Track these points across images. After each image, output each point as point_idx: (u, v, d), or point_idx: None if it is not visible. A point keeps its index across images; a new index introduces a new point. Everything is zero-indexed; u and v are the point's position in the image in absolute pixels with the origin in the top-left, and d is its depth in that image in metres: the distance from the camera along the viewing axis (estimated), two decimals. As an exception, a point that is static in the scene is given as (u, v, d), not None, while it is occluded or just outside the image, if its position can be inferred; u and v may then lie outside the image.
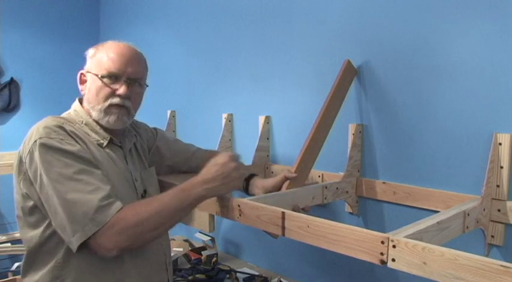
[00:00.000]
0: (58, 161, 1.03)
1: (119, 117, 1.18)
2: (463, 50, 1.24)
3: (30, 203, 1.10)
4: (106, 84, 1.16)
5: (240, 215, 1.13)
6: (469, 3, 1.22)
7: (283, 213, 1.02)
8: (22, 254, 2.66)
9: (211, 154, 1.48)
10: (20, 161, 1.10)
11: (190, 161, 1.46)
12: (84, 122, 1.18)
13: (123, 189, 1.16)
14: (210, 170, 1.12)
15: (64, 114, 1.22)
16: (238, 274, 1.77)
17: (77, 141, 1.09)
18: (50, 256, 1.09)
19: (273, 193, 1.25)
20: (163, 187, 1.35)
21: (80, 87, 1.23)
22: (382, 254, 0.85)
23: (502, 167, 1.17)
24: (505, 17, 1.16)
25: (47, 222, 1.08)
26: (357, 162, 1.49)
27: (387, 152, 1.44)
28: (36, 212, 1.09)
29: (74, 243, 1.00)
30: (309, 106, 1.66)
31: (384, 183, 1.44)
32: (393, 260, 0.84)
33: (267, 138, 1.82)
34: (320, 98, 1.62)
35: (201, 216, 1.26)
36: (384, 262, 0.85)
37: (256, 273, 1.79)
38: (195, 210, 1.27)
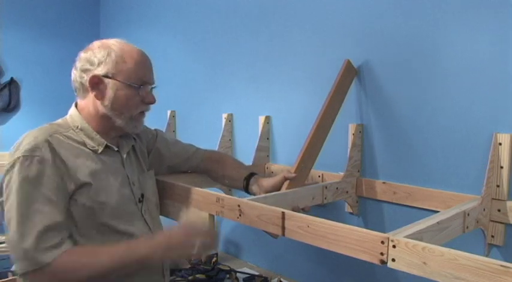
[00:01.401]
0: (27, 186, 1.02)
1: (142, 123, 1.21)
2: (463, 50, 1.24)
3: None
4: (137, 93, 1.15)
5: (240, 215, 1.13)
6: (469, 3, 1.22)
7: (283, 213, 1.02)
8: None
9: (211, 154, 1.49)
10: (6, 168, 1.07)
11: (191, 161, 1.47)
12: (79, 127, 1.16)
13: (119, 195, 1.16)
14: (160, 235, 1.13)
15: (59, 120, 1.20)
16: (238, 274, 1.77)
17: (61, 160, 1.07)
18: None
19: (273, 193, 1.26)
20: (163, 188, 1.36)
21: (92, 92, 1.14)
22: (382, 254, 0.85)
23: (502, 167, 1.17)
24: (505, 17, 1.16)
25: None
26: (357, 162, 1.49)
27: (387, 152, 1.44)
28: None
29: (17, 269, 1.01)
30: (309, 106, 1.66)
31: (384, 183, 1.44)
32: (393, 260, 0.84)
33: (267, 138, 1.82)
34: (320, 98, 1.62)
35: (201, 216, 1.26)
36: (384, 262, 0.85)
37: (256, 273, 1.79)
38: (195, 210, 1.27)
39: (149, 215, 1.25)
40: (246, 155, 1.89)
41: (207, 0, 2.10)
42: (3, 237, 2.57)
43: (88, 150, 1.14)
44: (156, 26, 2.48)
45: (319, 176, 1.60)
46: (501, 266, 0.70)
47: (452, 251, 0.76)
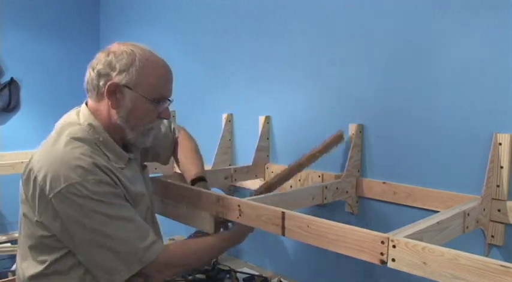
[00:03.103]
0: (98, 204, 0.99)
1: (152, 138, 1.16)
2: (463, 50, 1.24)
3: (44, 233, 1.03)
4: (155, 108, 1.10)
5: (240, 215, 1.13)
6: (469, 3, 1.22)
7: (283, 213, 1.02)
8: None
9: (178, 137, 1.46)
10: (42, 194, 0.99)
11: (169, 149, 1.44)
12: (101, 139, 1.07)
13: (144, 205, 1.17)
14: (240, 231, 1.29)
15: (77, 130, 1.07)
16: (238, 274, 1.76)
17: (109, 176, 1.04)
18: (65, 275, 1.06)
19: (273, 193, 1.26)
20: (163, 188, 1.35)
21: (108, 100, 1.06)
22: (382, 254, 0.85)
23: (502, 167, 1.17)
24: (505, 17, 1.16)
25: (64, 251, 1.05)
26: (357, 162, 1.49)
27: (387, 152, 1.44)
28: (50, 240, 1.04)
29: (116, 279, 1.03)
30: (309, 106, 1.66)
31: (384, 183, 1.44)
32: (393, 260, 0.84)
33: (267, 138, 1.82)
34: (320, 98, 1.62)
35: (201, 216, 1.26)
36: (384, 262, 0.85)
37: (256, 273, 1.79)
38: (195, 210, 1.27)
39: (155, 220, 1.27)
40: (246, 155, 1.89)
41: (207, 0, 2.10)
42: (4, 237, 2.57)
43: (114, 165, 1.08)
44: (156, 26, 2.48)
45: (319, 176, 1.60)
46: (501, 266, 0.70)
47: (452, 251, 0.76)
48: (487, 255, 1.20)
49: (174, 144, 1.44)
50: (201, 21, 2.15)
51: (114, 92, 1.06)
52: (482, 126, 1.21)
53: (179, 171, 1.47)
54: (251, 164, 1.77)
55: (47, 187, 0.98)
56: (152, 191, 1.29)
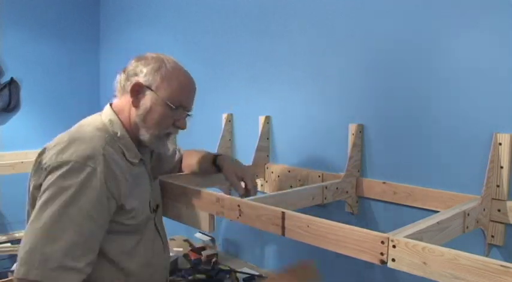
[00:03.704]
0: (72, 197, 0.98)
1: (166, 144, 1.20)
2: (463, 50, 1.24)
3: None
4: (171, 114, 1.14)
5: (240, 215, 1.13)
6: (469, 3, 1.22)
7: (283, 213, 1.02)
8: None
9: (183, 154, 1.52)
10: (40, 164, 1.04)
11: (175, 164, 1.51)
12: (118, 135, 1.13)
13: (142, 208, 1.17)
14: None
15: (99, 123, 1.14)
16: (238, 274, 1.76)
17: (113, 176, 1.04)
18: None
19: (273, 193, 1.26)
20: (163, 188, 1.35)
21: (131, 98, 1.13)
22: (382, 254, 0.85)
23: (502, 167, 1.17)
24: (505, 17, 1.16)
25: None
26: (357, 162, 1.49)
27: (387, 152, 1.44)
28: None
29: (16, 271, 0.95)
30: (309, 106, 1.66)
31: (384, 183, 1.44)
32: (393, 260, 0.84)
33: (267, 138, 1.82)
34: (320, 98, 1.62)
35: (201, 216, 1.26)
36: (384, 262, 0.85)
37: (256, 273, 1.79)
38: (195, 210, 1.27)
39: (160, 225, 1.28)
40: (246, 155, 1.89)
41: (207, 0, 2.10)
42: (4, 237, 2.57)
43: (126, 161, 1.12)
44: (156, 26, 2.48)
45: (319, 176, 1.60)
46: (501, 266, 0.70)
47: (452, 251, 0.76)
48: (487, 255, 1.20)
49: (180, 161, 1.51)
50: (201, 21, 2.15)
51: (138, 91, 1.13)
52: (482, 126, 1.21)
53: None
54: (251, 164, 1.77)
55: (51, 153, 1.03)
56: (161, 206, 1.31)
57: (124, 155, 1.12)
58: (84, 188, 0.99)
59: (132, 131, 1.16)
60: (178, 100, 1.14)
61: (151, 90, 1.12)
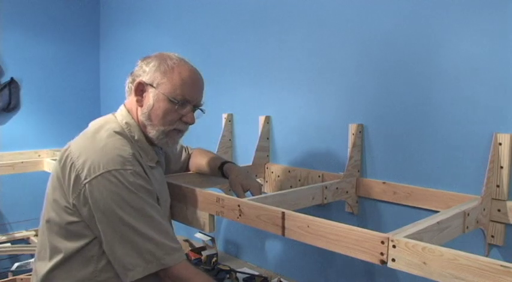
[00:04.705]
0: (133, 197, 1.03)
1: (176, 141, 1.20)
2: (463, 50, 1.24)
3: (73, 219, 1.07)
4: (176, 109, 1.14)
5: (240, 215, 1.13)
6: (469, 3, 1.22)
7: (283, 213, 1.02)
8: (22, 254, 2.65)
9: (192, 152, 1.54)
10: (77, 179, 1.04)
11: (183, 163, 1.52)
12: (136, 138, 1.15)
13: (167, 208, 1.21)
14: None
15: (116, 126, 1.15)
16: (238, 274, 1.76)
17: (144, 172, 1.10)
18: (87, 263, 1.09)
19: (273, 193, 1.26)
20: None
21: (136, 97, 1.16)
22: (382, 254, 0.85)
23: (502, 167, 1.17)
24: (505, 17, 1.16)
25: (89, 239, 1.08)
26: (357, 162, 1.49)
27: (387, 152, 1.44)
28: (79, 225, 1.08)
29: (130, 276, 1.03)
30: (308, 106, 1.66)
31: (384, 183, 1.44)
32: (393, 260, 0.84)
33: (267, 138, 1.82)
34: (320, 98, 1.62)
35: (201, 216, 1.26)
36: (384, 262, 0.85)
37: (256, 273, 1.79)
38: (195, 210, 1.27)
39: (168, 221, 1.28)
40: (246, 155, 1.89)
41: (207, 0, 2.10)
42: (4, 237, 2.57)
43: (146, 163, 1.15)
44: (156, 26, 2.48)
45: (319, 176, 1.60)
46: (501, 266, 0.70)
47: (452, 251, 0.76)
48: (487, 255, 1.20)
49: (187, 160, 1.53)
50: (201, 22, 2.15)
51: (141, 90, 1.15)
52: (482, 126, 1.21)
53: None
54: (251, 164, 1.77)
55: (84, 172, 1.03)
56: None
57: (142, 158, 1.13)
58: (136, 187, 1.04)
59: (144, 132, 1.17)
60: (180, 94, 1.14)
61: (153, 87, 1.14)
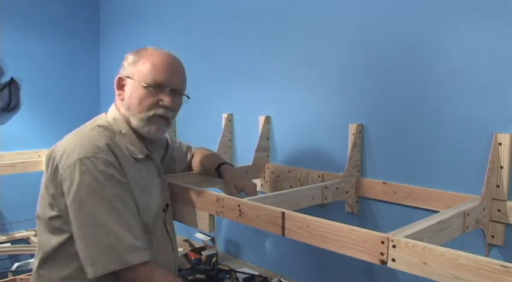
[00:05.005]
0: (100, 186, 1.02)
1: (159, 127, 1.17)
2: (463, 50, 1.24)
3: (54, 213, 1.08)
4: (151, 94, 1.14)
5: (240, 215, 1.13)
6: (469, 3, 1.22)
7: (283, 213, 1.02)
8: (22, 254, 2.65)
9: (195, 151, 1.55)
10: (56, 169, 1.06)
11: (187, 163, 1.53)
12: (123, 132, 1.16)
13: (153, 205, 1.17)
14: None
15: (103, 121, 1.18)
16: (238, 274, 1.76)
17: (122, 165, 1.09)
18: (71, 259, 1.08)
19: (273, 193, 1.26)
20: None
21: (117, 92, 1.19)
22: (382, 254, 0.85)
23: (502, 167, 1.17)
24: (505, 17, 1.16)
25: (69, 234, 1.07)
26: (357, 162, 1.49)
27: (387, 152, 1.44)
28: (59, 220, 1.08)
29: (89, 272, 1.01)
30: (308, 106, 1.66)
31: (384, 183, 1.44)
32: (393, 260, 0.84)
33: (267, 138, 1.82)
34: (320, 98, 1.62)
35: (201, 216, 1.26)
36: (383, 262, 0.85)
37: (256, 273, 1.79)
38: (195, 210, 1.27)
39: (170, 224, 1.28)
40: (246, 155, 1.89)
41: (207, 1, 2.10)
42: (4, 237, 2.57)
43: (132, 157, 1.14)
44: (156, 26, 2.48)
45: (319, 176, 1.60)
46: (501, 266, 0.70)
47: (452, 251, 0.76)
48: (487, 255, 1.20)
49: (191, 159, 1.53)
50: (202, 21, 2.15)
51: (122, 85, 1.18)
52: (482, 126, 1.21)
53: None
54: (251, 164, 1.77)
55: (62, 162, 1.04)
56: (171, 206, 1.31)
57: (129, 152, 1.14)
58: (106, 177, 1.03)
59: (130, 126, 1.18)
60: (152, 78, 1.14)
61: (130, 78, 1.16)
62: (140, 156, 1.16)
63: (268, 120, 1.82)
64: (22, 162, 2.45)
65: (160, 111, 1.15)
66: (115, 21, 2.87)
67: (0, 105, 2.62)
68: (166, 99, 1.15)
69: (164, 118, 1.17)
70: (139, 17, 2.61)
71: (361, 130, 1.49)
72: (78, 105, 2.86)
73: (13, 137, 2.67)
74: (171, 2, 2.34)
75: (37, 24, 2.77)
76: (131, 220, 1.05)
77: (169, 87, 1.16)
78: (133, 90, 1.15)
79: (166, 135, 1.49)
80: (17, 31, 2.69)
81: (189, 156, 1.52)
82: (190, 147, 1.55)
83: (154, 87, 1.14)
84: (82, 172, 1.02)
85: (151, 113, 1.15)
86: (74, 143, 1.07)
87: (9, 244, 2.52)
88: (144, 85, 1.13)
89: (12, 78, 2.65)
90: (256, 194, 1.30)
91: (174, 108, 1.18)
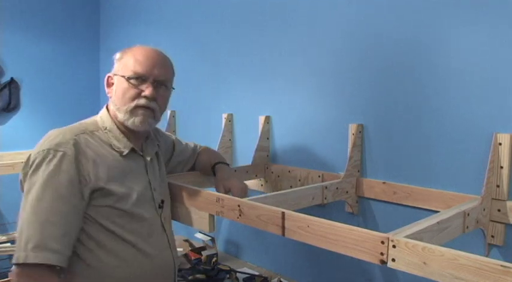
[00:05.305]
0: (40, 176, 1.05)
1: (144, 119, 1.17)
2: (462, 50, 1.24)
3: None
4: (132, 86, 1.16)
5: (240, 215, 1.13)
6: (469, 3, 1.22)
7: (283, 213, 1.02)
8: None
9: (200, 151, 1.56)
10: (27, 160, 1.10)
11: (192, 163, 1.54)
12: (107, 128, 1.18)
13: (140, 200, 1.17)
14: None
15: (91, 119, 1.22)
16: (238, 274, 1.76)
17: (86, 158, 1.10)
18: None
19: (273, 193, 1.26)
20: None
21: (107, 90, 1.23)
22: (382, 254, 0.85)
23: (502, 167, 1.17)
24: (505, 17, 1.16)
25: None
26: (357, 162, 1.49)
27: (387, 152, 1.44)
28: None
29: (14, 261, 1.02)
30: (308, 106, 1.66)
31: (384, 183, 1.44)
32: (393, 260, 0.84)
33: (267, 138, 1.82)
34: (320, 98, 1.62)
35: (201, 216, 1.26)
36: (383, 262, 0.85)
37: (256, 273, 1.79)
38: (195, 210, 1.27)
39: (167, 222, 1.27)
40: (246, 155, 1.89)
41: (207, 1, 2.10)
42: (4, 237, 2.57)
43: (114, 152, 1.16)
44: (156, 27, 2.48)
45: (319, 176, 1.60)
46: (501, 266, 0.70)
47: (452, 251, 0.76)
48: (487, 255, 1.20)
49: (196, 156, 1.55)
50: (201, 21, 2.15)
51: (111, 83, 1.22)
52: (482, 126, 1.21)
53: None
54: (251, 164, 1.77)
55: (34, 152, 1.09)
56: (168, 203, 1.31)
57: (112, 147, 1.16)
58: (57, 171, 1.06)
59: (118, 123, 1.20)
60: (133, 71, 1.16)
61: (116, 75, 1.20)
62: (124, 150, 1.18)
63: (268, 120, 1.82)
64: (22, 162, 2.45)
65: (142, 101, 1.16)
66: (115, 22, 2.87)
67: (0, 105, 2.61)
68: (147, 90, 1.16)
69: (148, 109, 1.17)
70: (140, 17, 2.61)
71: (361, 130, 1.49)
72: (78, 106, 2.85)
73: (13, 137, 2.67)
74: (171, 2, 2.34)
75: (37, 24, 2.77)
76: (55, 219, 1.03)
77: (151, 78, 1.17)
78: (117, 85, 1.19)
79: (173, 137, 1.51)
80: (17, 31, 2.69)
81: (195, 156, 1.53)
82: (197, 147, 1.56)
83: (136, 79, 1.16)
84: (37, 161, 1.06)
85: (133, 104, 1.16)
86: (47, 135, 1.12)
87: (9, 244, 2.52)
88: (126, 77, 1.16)
89: (12, 78, 2.65)
90: (242, 196, 1.28)
91: (156, 99, 1.18)
